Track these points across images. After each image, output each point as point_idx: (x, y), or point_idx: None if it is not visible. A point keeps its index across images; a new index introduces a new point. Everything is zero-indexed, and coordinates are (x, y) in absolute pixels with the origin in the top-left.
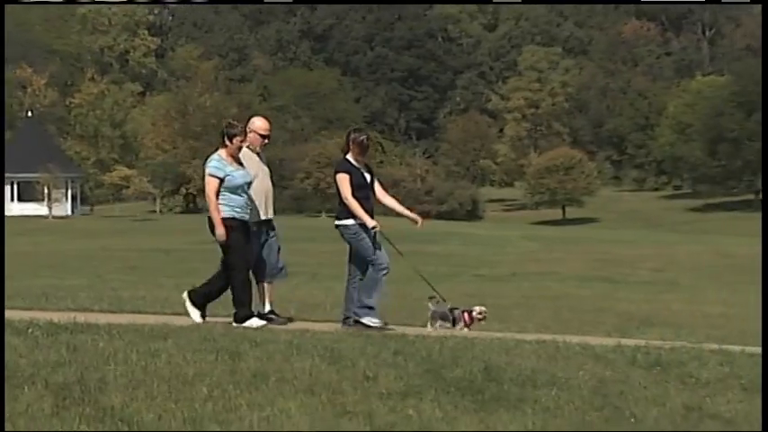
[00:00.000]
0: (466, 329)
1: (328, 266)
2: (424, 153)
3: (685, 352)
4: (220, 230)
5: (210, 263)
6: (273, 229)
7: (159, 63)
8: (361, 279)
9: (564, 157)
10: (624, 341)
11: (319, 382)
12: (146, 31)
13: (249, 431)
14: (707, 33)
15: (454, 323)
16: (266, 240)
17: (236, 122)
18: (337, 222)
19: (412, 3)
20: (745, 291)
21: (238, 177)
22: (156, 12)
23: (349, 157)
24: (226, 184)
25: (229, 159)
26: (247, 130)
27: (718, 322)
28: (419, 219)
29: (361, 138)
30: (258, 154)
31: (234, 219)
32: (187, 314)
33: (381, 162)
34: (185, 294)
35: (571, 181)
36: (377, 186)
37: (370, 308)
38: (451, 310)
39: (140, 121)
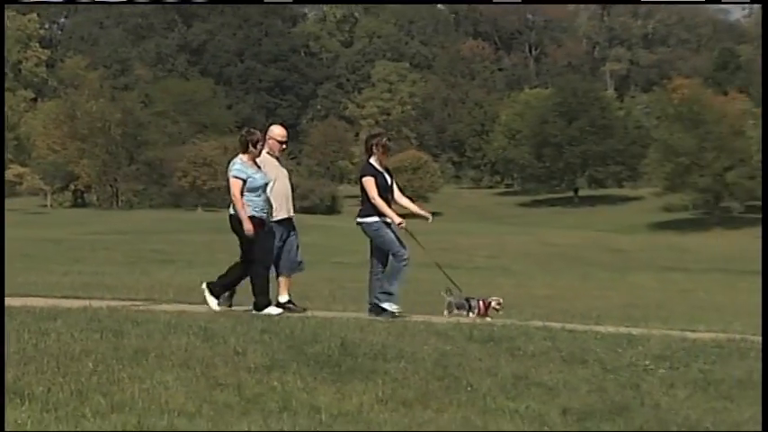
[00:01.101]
0: (486, 317)
1: (203, 254)
2: (288, 154)
3: (515, 328)
4: (248, 227)
5: (97, 251)
6: (294, 227)
7: (50, 72)
8: (382, 271)
9: (412, 158)
10: (462, 319)
11: (194, 358)
12: (37, 44)
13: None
14: (533, 52)
15: (470, 311)
16: (287, 237)
17: (255, 130)
18: (359, 220)
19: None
20: (567, 275)
21: (258, 179)
22: (46, 26)
23: (372, 161)
24: (247, 185)
25: (250, 163)
26: (267, 137)
27: (543, 302)
28: (430, 216)
29: (384, 140)
30: (277, 158)
31: (254, 217)
32: (205, 302)
33: None
34: (204, 285)
35: (418, 179)
36: (395, 188)
37: (391, 294)
38: (467, 299)
39: (33, 125)
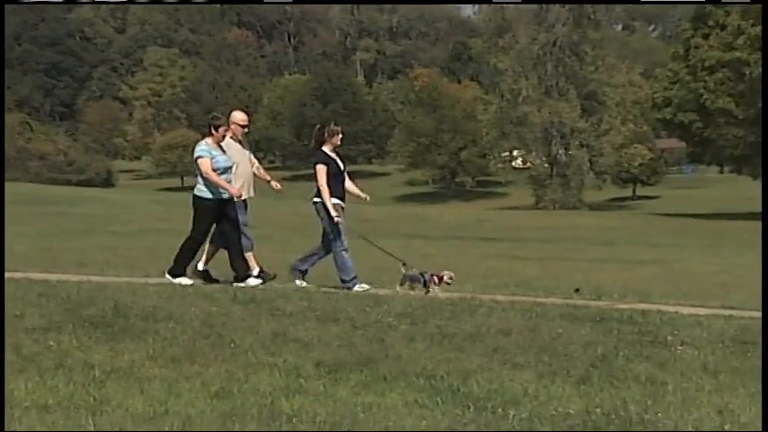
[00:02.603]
0: (436, 289)
1: None
2: (66, 132)
3: (274, 291)
4: (235, 191)
5: None
6: (246, 207)
7: None
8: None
9: (182, 137)
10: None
11: None
12: None
13: None
14: (292, 41)
15: (425, 285)
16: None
17: (219, 115)
18: (315, 200)
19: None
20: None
21: (221, 161)
22: None
23: (325, 149)
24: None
25: (214, 145)
26: (229, 122)
27: None
28: (367, 196)
29: (333, 127)
30: (239, 142)
31: (212, 199)
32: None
33: (30, 139)
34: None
35: (188, 155)
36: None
37: (354, 278)
38: (421, 273)
39: None
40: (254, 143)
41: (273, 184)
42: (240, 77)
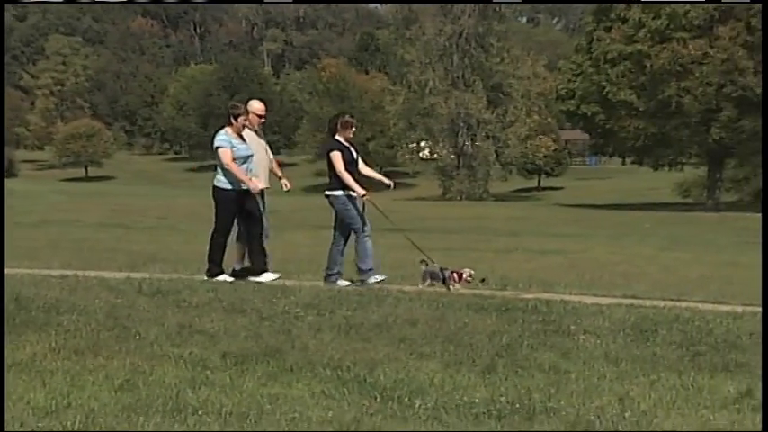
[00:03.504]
0: (457, 286)
1: None
2: None
3: (181, 282)
4: (253, 185)
5: None
6: (263, 197)
7: None
8: (344, 244)
9: (86, 126)
10: (133, 275)
11: None
12: None
13: None
14: (198, 31)
15: (444, 281)
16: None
17: (239, 104)
18: (327, 193)
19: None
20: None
21: (241, 150)
22: None
23: (338, 137)
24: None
25: (234, 135)
26: (246, 111)
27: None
28: (391, 183)
29: (347, 118)
30: (256, 131)
31: (232, 190)
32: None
33: None
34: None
35: (92, 146)
36: (359, 161)
37: (370, 269)
38: (441, 270)
39: None
40: (161, 133)
41: (284, 182)
42: (145, 67)
